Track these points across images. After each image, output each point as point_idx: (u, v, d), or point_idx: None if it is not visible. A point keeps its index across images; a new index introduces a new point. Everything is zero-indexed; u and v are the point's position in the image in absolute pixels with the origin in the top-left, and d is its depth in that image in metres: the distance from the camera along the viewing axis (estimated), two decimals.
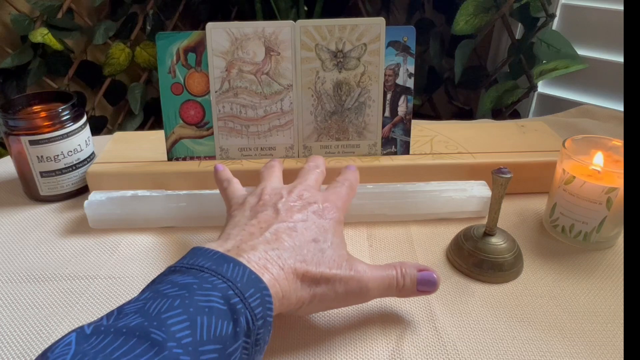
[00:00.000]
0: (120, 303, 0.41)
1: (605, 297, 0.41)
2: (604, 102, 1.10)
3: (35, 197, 0.55)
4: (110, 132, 1.30)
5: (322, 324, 0.39)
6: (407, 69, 0.53)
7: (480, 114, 1.17)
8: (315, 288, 0.34)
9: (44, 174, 0.53)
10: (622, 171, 0.42)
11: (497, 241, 0.44)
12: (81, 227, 0.51)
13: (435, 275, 0.36)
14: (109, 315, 0.28)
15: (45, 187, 0.54)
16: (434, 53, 1.20)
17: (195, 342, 0.26)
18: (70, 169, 0.54)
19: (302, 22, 0.51)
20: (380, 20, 0.51)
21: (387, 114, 0.54)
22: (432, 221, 0.51)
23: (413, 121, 0.55)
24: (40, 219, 0.53)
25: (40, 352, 0.26)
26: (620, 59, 1.06)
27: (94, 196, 0.50)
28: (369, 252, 0.47)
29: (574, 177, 0.45)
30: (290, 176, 0.53)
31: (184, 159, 0.55)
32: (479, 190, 0.50)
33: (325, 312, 0.40)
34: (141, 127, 1.32)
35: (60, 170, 0.54)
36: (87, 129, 0.56)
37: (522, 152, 0.55)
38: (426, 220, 0.51)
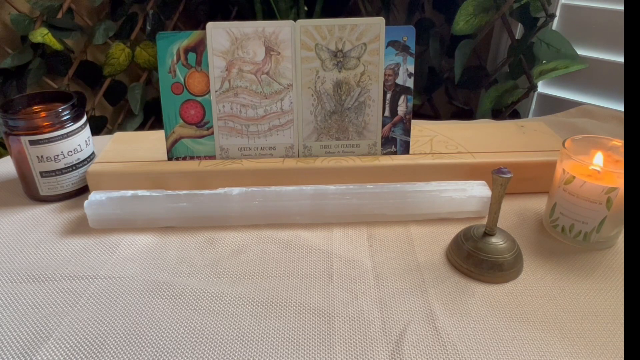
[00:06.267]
0: (121, 303, 0.41)
1: (605, 297, 0.41)
2: (604, 102, 1.10)
3: (35, 197, 0.55)
4: (110, 132, 1.29)
5: (322, 323, 0.39)
6: (407, 69, 0.53)
7: (480, 114, 1.17)
8: None
9: (44, 174, 0.53)
10: (622, 171, 0.42)
11: (497, 241, 0.44)
12: (81, 227, 0.51)
13: None
14: None
15: (45, 187, 0.54)
16: (433, 53, 1.20)
17: None
18: (70, 169, 0.54)
19: (302, 22, 0.51)
20: (380, 20, 0.51)
21: (387, 113, 0.54)
22: (432, 221, 0.51)
23: (413, 121, 0.55)
24: (40, 219, 0.53)
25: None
26: (620, 59, 1.06)
27: (94, 196, 0.50)
28: (369, 252, 0.47)
29: (574, 177, 0.45)
30: (290, 176, 0.53)
31: (184, 158, 0.55)
32: (479, 190, 0.50)
33: (325, 312, 0.40)
34: (141, 127, 1.32)
35: (60, 170, 0.53)
36: (87, 129, 0.56)
37: (522, 152, 0.55)
38: (426, 220, 0.51)
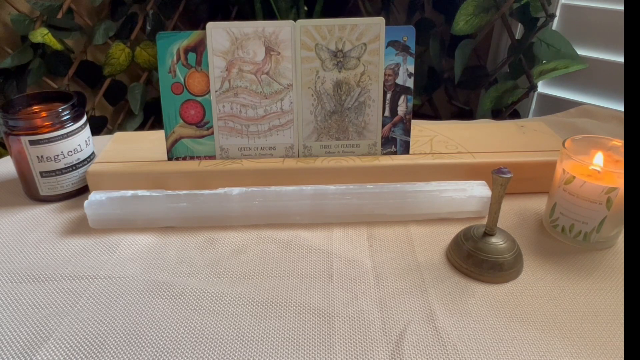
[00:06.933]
0: (121, 303, 0.41)
1: (605, 297, 0.41)
2: (604, 102, 1.10)
3: (35, 197, 0.55)
4: (110, 132, 1.29)
5: (322, 323, 0.39)
6: (407, 69, 0.53)
7: (480, 114, 1.17)
8: None
9: (44, 174, 0.53)
10: (622, 171, 0.42)
11: (497, 241, 0.44)
12: (81, 227, 0.51)
13: None
14: None
15: (45, 187, 0.54)
16: (434, 53, 1.20)
17: None
18: (70, 169, 0.54)
19: (302, 22, 0.51)
20: (380, 20, 0.51)
21: (387, 113, 0.54)
22: (432, 221, 0.51)
23: (413, 121, 0.55)
24: (40, 219, 0.53)
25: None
26: (620, 59, 1.06)
27: (94, 196, 0.50)
28: (369, 252, 0.47)
29: (574, 177, 0.45)
30: (289, 176, 0.53)
31: (184, 158, 0.55)
32: (479, 190, 0.50)
33: (325, 312, 0.40)
34: (141, 127, 1.32)
35: (60, 170, 0.53)
36: (87, 129, 0.56)
37: (522, 152, 0.55)
38: (426, 220, 0.51)
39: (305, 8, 1.27)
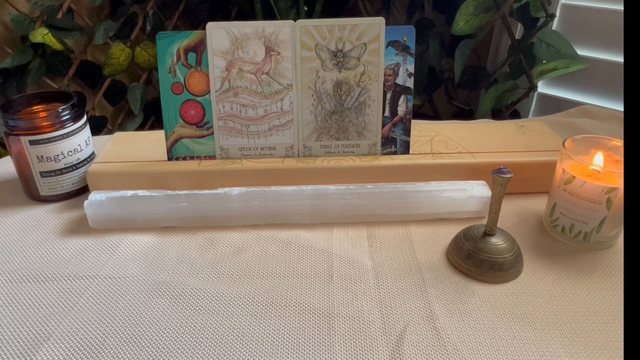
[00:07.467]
0: (121, 303, 0.41)
1: (605, 297, 0.41)
2: (604, 102, 1.10)
3: (35, 197, 0.55)
4: (110, 132, 1.29)
5: (322, 323, 0.39)
6: (407, 69, 0.53)
7: (480, 114, 1.17)
8: None
9: (44, 174, 0.53)
10: (622, 171, 0.42)
11: (497, 241, 0.44)
12: (81, 227, 0.51)
13: None
14: None
15: (45, 187, 0.54)
16: (434, 53, 1.20)
17: None
18: (70, 169, 0.54)
19: (302, 22, 0.51)
20: (380, 20, 0.51)
21: (387, 113, 0.54)
22: (432, 221, 0.51)
23: (413, 121, 0.55)
24: (40, 219, 0.53)
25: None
26: (620, 59, 1.06)
27: (94, 196, 0.50)
28: (369, 252, 0.47)
29: (574, 177, 0.45)
30: (289, 176, 0.53)
31: (184, 158, 0.55)
32: (479, 190, 0.50)
33: (325, 312, 0.40)
34: (141, 127, 1.32)
35: (60, 170, 0.54)
36: (87, 129, 0.56)
37: (522, 152, 0.55)
38: (426, 220, 0.51)
39: (305, 8, 1.27)
